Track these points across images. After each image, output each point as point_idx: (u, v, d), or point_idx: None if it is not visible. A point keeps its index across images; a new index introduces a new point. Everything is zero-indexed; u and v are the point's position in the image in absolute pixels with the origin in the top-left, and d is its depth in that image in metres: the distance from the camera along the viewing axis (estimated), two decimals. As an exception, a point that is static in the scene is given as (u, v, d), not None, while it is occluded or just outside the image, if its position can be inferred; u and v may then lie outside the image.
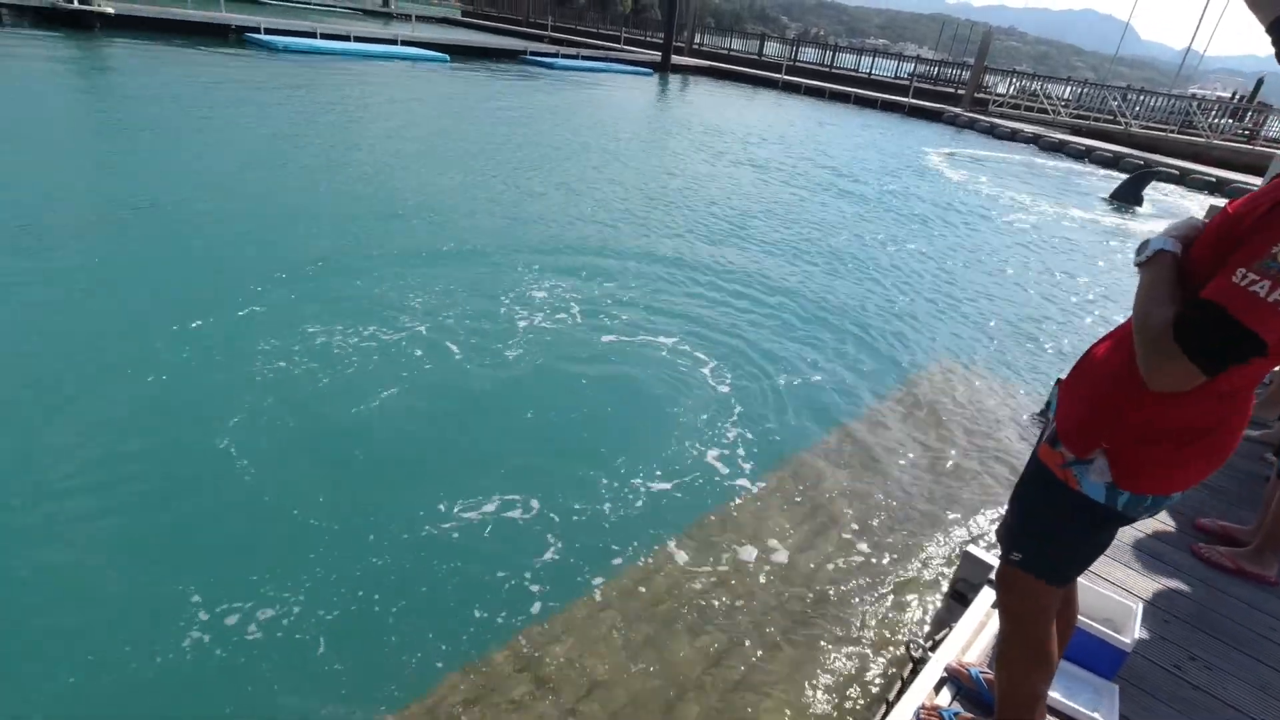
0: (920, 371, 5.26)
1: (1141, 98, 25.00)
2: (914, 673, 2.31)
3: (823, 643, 2.77)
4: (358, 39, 21.16)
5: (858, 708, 2.50)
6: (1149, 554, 2.80)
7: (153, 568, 2.69)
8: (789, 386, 4.70)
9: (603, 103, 18.64)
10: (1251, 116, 24.57)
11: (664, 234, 7.61)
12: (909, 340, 5.75)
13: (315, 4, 40.25)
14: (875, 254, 7.99)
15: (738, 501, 3.51)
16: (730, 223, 8.47)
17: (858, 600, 3.01)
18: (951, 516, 3.67)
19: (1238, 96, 28.40)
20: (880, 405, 4.67)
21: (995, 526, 3.44)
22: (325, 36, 20.42)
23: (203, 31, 18.10)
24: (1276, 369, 4.01)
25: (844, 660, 2.70)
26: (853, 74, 31.95)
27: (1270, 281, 1.08)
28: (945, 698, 2.05)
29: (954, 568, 3.09)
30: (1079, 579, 1.86)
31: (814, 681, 2.59)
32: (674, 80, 27.56)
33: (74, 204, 6.28)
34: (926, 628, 2.90)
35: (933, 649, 2.31)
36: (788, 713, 2.45)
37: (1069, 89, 26.63)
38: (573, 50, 28.45)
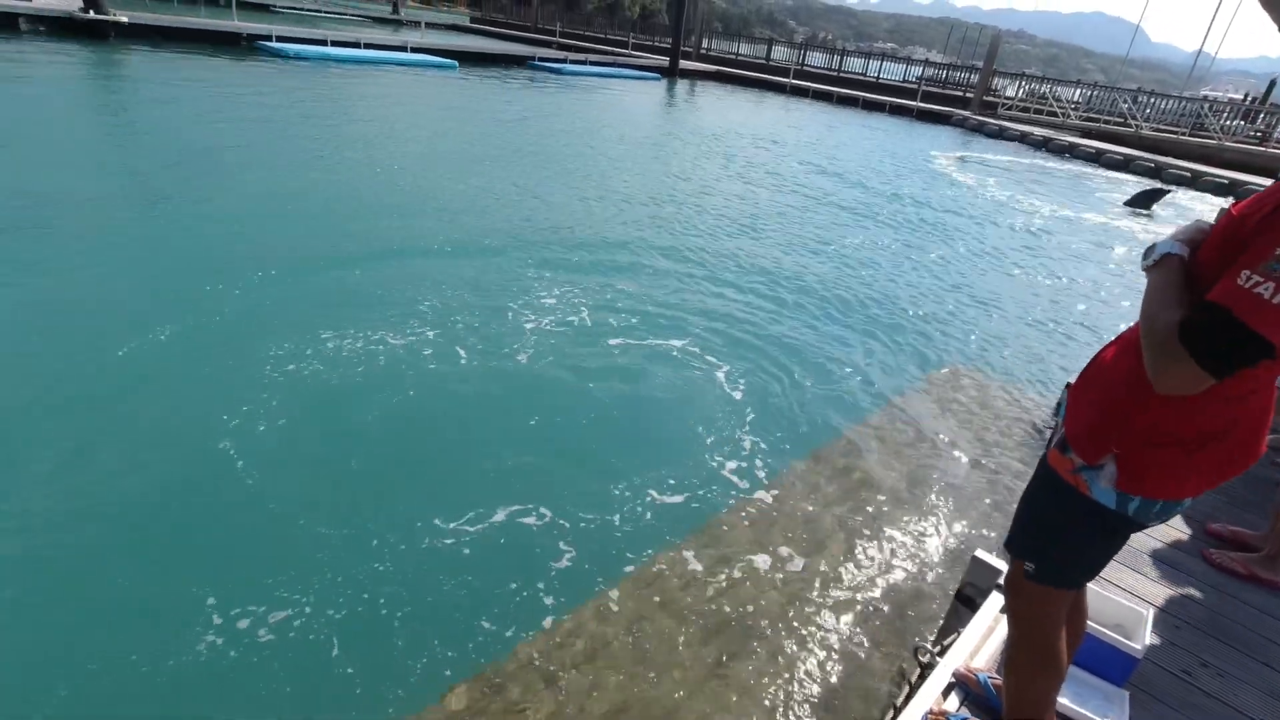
0: (929, 376, 5.25)
1: (1152, 100, 24.86)
2: (922, 678, 2.30)
3: (831, 647, 2.76)
4: (367, 46, 21.32)
5: (866, 713, 2.50)
6: (1160, 559, 2.78)
7: (165, 570, 2.71)
8: (798, 390, 4.70)
9: (611, 107, 18.70)
10: (1264, 118, 24.37)
11: (674, 237, 7.62)
12: (918, 344, 5.74)
13: (326, 12, 40.61)
14: (885, 258, 7.98)
15: (747, 506, 3.51)
16: (740, 226, 8.48)
17: (866, 605, 3.00)
18: (960, 521, 3.66)
19: (1250, 98, 28.21)
20: (890, 409, 4.67)
21: (1004, 531, 3.43)
22: (335, 44, 20.58)
23: (215, 39, 18.29)
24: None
25: (852, 665, 2.69)
26: (861, 78, 31.91)
27: (1275, 283, 1.08)
28: (953, 703, 2.04)
29: (962, 572, 3.07)
30: (1089, 584, 1.85)
31: (822, 686, 2.58)
32: (682, 85, 27.61)
33: (85, 204, 6.35)
34: (935, 633, 2.89)
35: (941, 654, 2.30)
36: (795, 718, 2.44)
37: (1079, 92, 26.53)
38: (580, 56, 28.57)
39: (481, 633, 2.61)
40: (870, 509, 3.64)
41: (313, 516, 3.04)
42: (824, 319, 5.98)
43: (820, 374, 4.98)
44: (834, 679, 2.62)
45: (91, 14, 15.92)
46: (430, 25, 41.38)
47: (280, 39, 19.41)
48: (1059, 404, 1.51)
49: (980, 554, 2.78)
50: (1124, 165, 18.86)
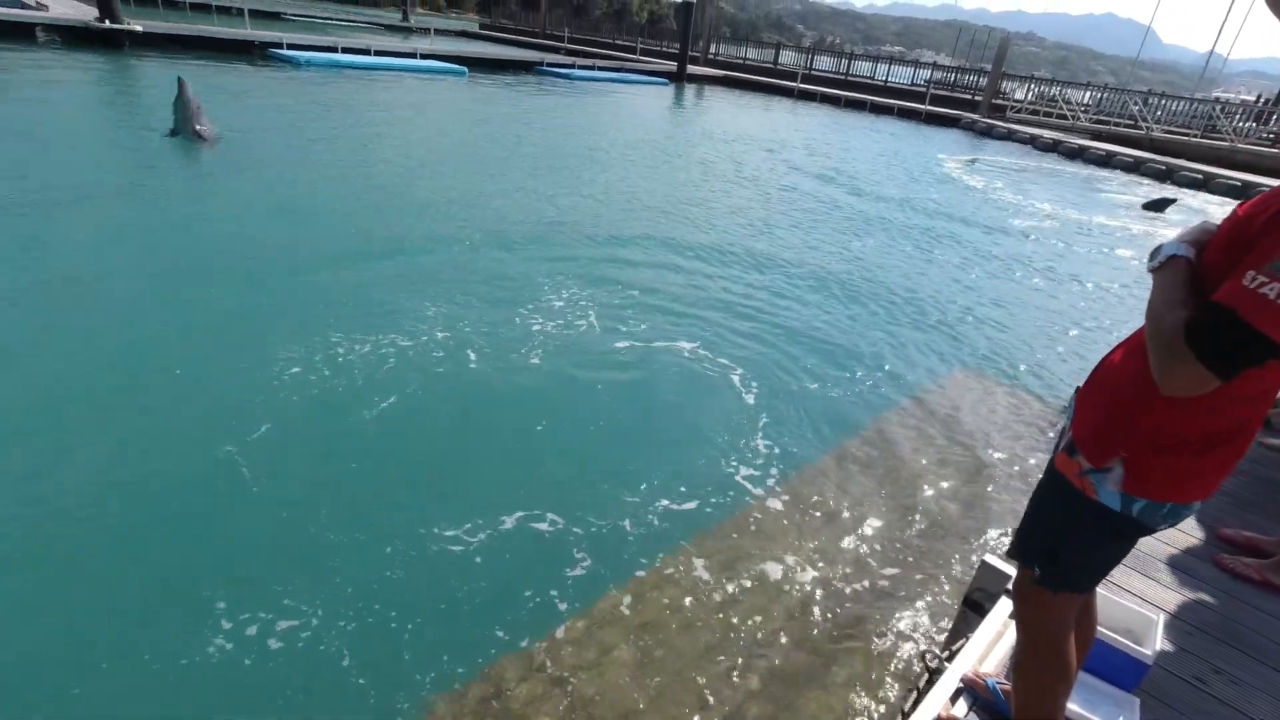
0: (938, 381, 5.23)
1: (1163, 102, 24.69)
2: (930, 683, 2.29)
3: (838, 653, 2.75)
4: (378, 52, 21.47)
5: (874, 718, 2.48)
6: (1171, 564, 2.76)
7: (175, 572, 2.73)
8: (808, 393, 4.70)
9: (619, 112, 18.76)
10: (1277, 120, 24.15)
11: (684, 240, 7.63)
12: (927, 349, 5.72)
13: (337, 19, 40.95)
14: (893, 261, 7.95)
15: (755, 511, 3.51)
16: (749, 230, 8.48)
17: (874, 610, 2.99)
18: (968, 526, 3.64)
19: (1262, 100, 27.96)
20: (899, 413, 4.65)
21: (1012, 536, 3.39)
22: (346, 50, 20.75)
23: (228, 48, 18.47)
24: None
25: (860, 670, 2.68)
26: (869, 81, 31.88)
27: None
28: (962, 708, 2.03)
29: (971, 577, 3.06)
30: (1098, 589, 1.84)
31: (830, 692, 2.57)
32: (690, 90, 27.67)
33: (93, 201, 6.42)
34: (943, 638, 2.88)
35: (949, 659, 2.29)
36: (803, 723, 2.43)
37: (1089, 94, 26.38)
38: (588, 61, 28.67)
39: (490, 637, 2.61)
40: (878, 513, 3.63)
41: (322, 521, 3.06)
42: (833, 322, 5.97)
43: (829, 378, 4.98)
44: (841, 685, 2.61)
45: (107, 23, 16.12)
46: (439, 32, 41.67)
47: (291, 46, 19.58)
48: (1067, 408, 1.51)
49: (989, 559, 2.77)
50: (1135, 168, 18.74)
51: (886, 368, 5.27)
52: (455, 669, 2.47)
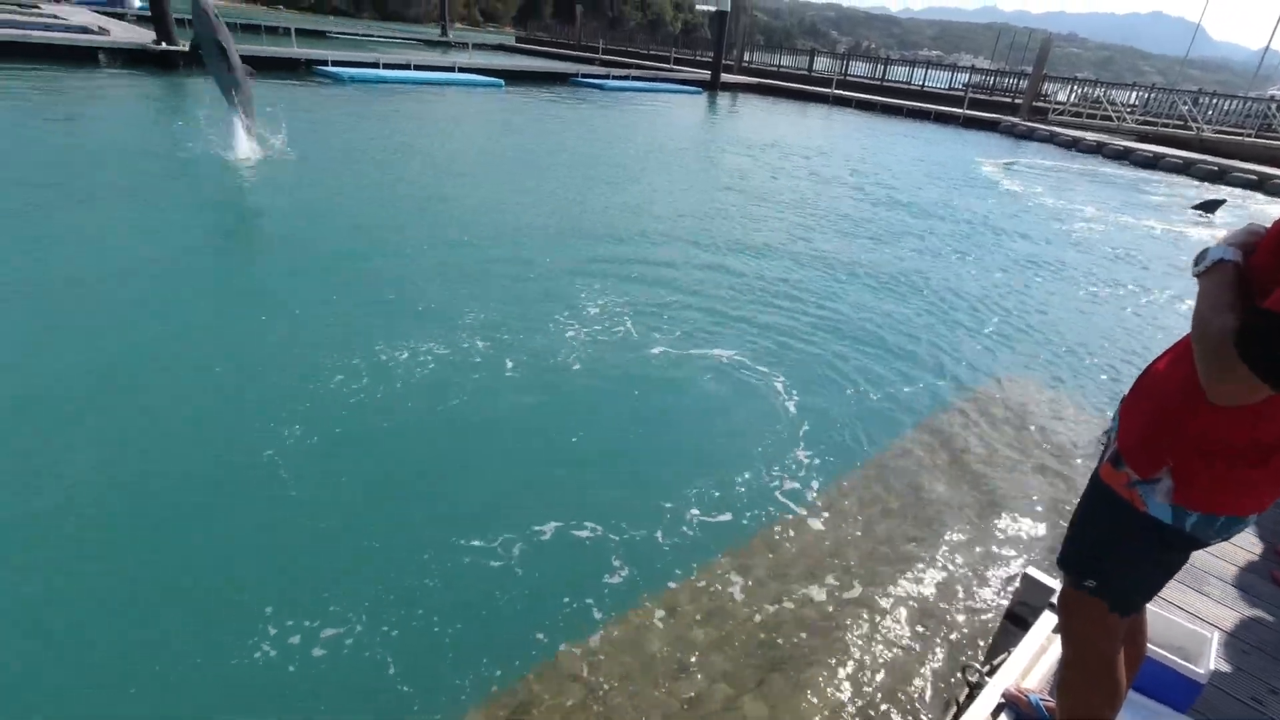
0: (980, 388, 5.13)
1: (1214, 101, 23.90)
2: (970, 698, 2.24)
3: (876, 666, 2.71)
4: (417, 67, 21.97)
5: (913, 733, 2.44)
6: (1226, 580, 2.66)
7: (222, 581, 2.81)
8: (847, 401, 4.65)
9: (654, 120, 18.87)
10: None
11: (719, 247, 7.63)
12: (968, 355, 5.62)
13: (379, 37, 42.04)
14: (932, 266, 7.84)
15: (792, 521, 3.48)
16: (785, 236, 8.44)
17: (913, 622, 2.94)
18: (1010, 536, 3.56)
19: (1322, 97, 26.83)
20: (938, 421, 4.58)
21: (1057, 548, 3.31)
22: (387, 66, 21.28)
23: (275, 65, 19.08)
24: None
25: (898, 684, 2.64)
26: (905, 86, 31.52)
27: None
28: (1004, 725, 1.98)
29: (1013, 590, 2.99)
30: (1149, 605, 1.78)
31: (868, 706, 2.54)
32: (724, 98, 27.69)
33: (132, 204, 6.67)
34: (984, 652, 2.81)
35: (990, 674, 2.24)
36: (840, 736, 2.40)
37: (1135, 94, 25.65)
38: (623, 71, 28.90)
39: (526, 645, 2.64)
40: (918, 523, 3.57)
41: (362, 528, 3.12)
42: (873, 329, 5.90)
43: (870, 385, 4.92)
44: (879, 699, 2.57)
45: (163, 45, 16.81)
46: (478, 46, 42.46)
47: (336, 63, 20.16)
48: (1113, 417, 1.47)
49: (1032, 571, 2.70)
50: (1184, 169, 18.17)
51: (926, 374, 5.19)
52: (492, 674, 2.50)
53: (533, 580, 2.92)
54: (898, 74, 33.07)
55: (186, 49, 16.52)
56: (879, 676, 2.66)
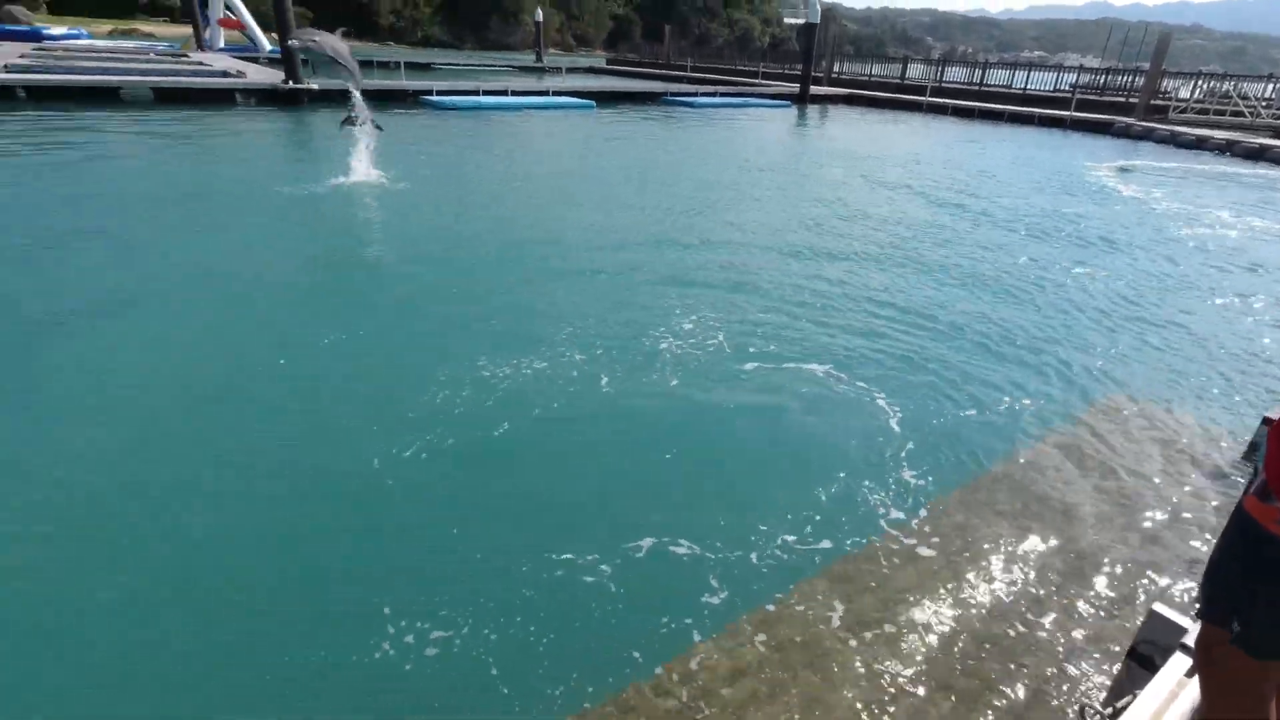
0: (1100, 407, 4.84)
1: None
2: (1092, 741, 2.12)
3: (984, 704, 2.60)
4: (514, 92, 23.03)
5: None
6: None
7: (341, 582, 3.02)
8: (953, 419, 4.50)
9: (743, 135, 18.90)
10: None
11: (813, 260, 7.58)
12: (1088, 371, 5.32)
13: (479, 65, 44.31)
14: (1043, 277, 7.49)
15: (894, 545, 3.39)
16: (882, 246, 8.30)
17: (1025, 658, 2.81)
18: (1133, 570, 3.34)
19: None
20: (1058, 442, 4.35)
21: (1188, 583, 3.15)
22: (486, 93, 22.46)
23: (388, 97, 20.53)
24: None
25: None
26: (1005, 90, 30.25)
27: None
28: (1129, 771, 1.84)
29: (1137, 627, 2.82)
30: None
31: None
32: (813, 110, 27.43)
33: (264, 230, 7.23)
34: (1104, 694, 2.64)
35: (1112, 718, 2.07)
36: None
37: (1272, 87, 23.59)
38: (711, 88, 29.20)
39: (622, 660, 2.68)
40: (1033, 551, 3.42)
41: (467, 538, 3.27)
42: (980, 343, 5.69)
43: (979, 402, 4.74)
44: (990, 732, 2.45)
45: (290, 84, 18.48)
46: (570, 70, 43.96)
47: (440, 92, 21.47)
48: (1255, 443, 1.38)
49: (1159, 608, 2.44)
50: (1332, 167, 16.58)
51: (1041, 390, 4.97)
52: (586, 688, 2.56)
53: (629, 596, 2.96)
54: (997, 78, 31.78)
55: (310, 87, 18.16)
56: (988, 714, 2.55)
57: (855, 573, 3.19)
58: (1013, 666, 2.76)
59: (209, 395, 4.42)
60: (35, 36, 33.84)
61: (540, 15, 48.39)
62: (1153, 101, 23.79)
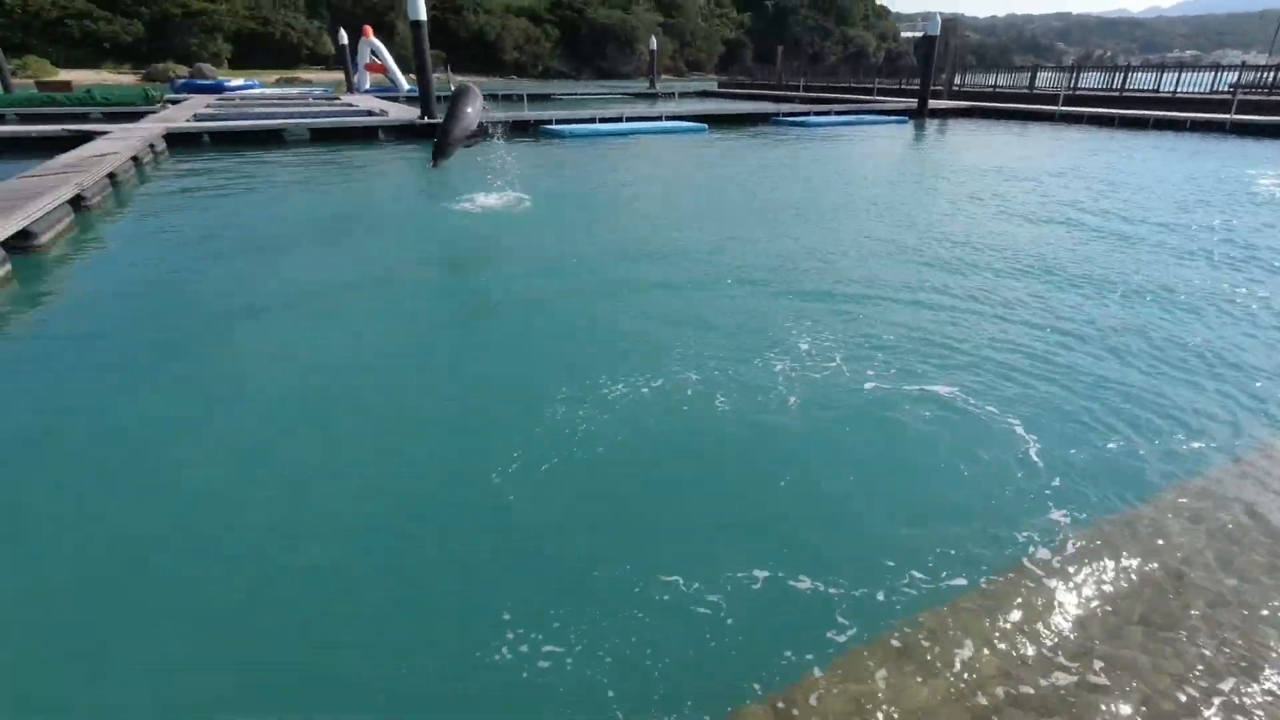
0: (1273, 442, 4.35)
1: None
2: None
3: None
4: (629, 119, 23.72)
5: None
6: None
7: (460, 589, 3.16)
8: (1097, 450, 4.16)
9: (858, 153, 18.52)
10: None
11: (935, 280, 7.30)
12: (1255, 400, 4.81)
13: (596, 94, 46.06)
14: (1201, 296, 6.84)
15: (1034, 584, 3.16)
16: (1013, 264, 7.88)
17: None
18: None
19: None
20: (1220, 479, 3.93)
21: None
22: (602, 120, 23.28)
23: (512, 128, 21.78)
24: None
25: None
26: (1151, 94, 27.91)
27: None
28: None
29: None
30: None
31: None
32: (932, 125, 26.40)
33: (398, 252, 7.83)
34: None
35: None
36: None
37: None
38: (824, 107, 28.79)
39: (736, 690, 2.63)
40: (1189, 604, 3.09)
41: (581, 555, 3.33)
42: (1130, 367, 5.26)
43: (1136, 431, 4.36)
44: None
45: (425, 120, 20.03)
46: (683, 94, 44.78)
47: (559, 122, 22.51)
48: None
49: None
50: None
51: (1200, 422, 4.51)
52: (700, 716, 2.53)
53: (744, 625, 2.90)
54: (1141, 81, 29.39)
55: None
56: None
57: (988, 615, 2.99)
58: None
59: (341, 396, 4.94)
60: (219, 89, 38.89)
61: (654, 43, 49.75)
62: (1334, 100, 21.18)
